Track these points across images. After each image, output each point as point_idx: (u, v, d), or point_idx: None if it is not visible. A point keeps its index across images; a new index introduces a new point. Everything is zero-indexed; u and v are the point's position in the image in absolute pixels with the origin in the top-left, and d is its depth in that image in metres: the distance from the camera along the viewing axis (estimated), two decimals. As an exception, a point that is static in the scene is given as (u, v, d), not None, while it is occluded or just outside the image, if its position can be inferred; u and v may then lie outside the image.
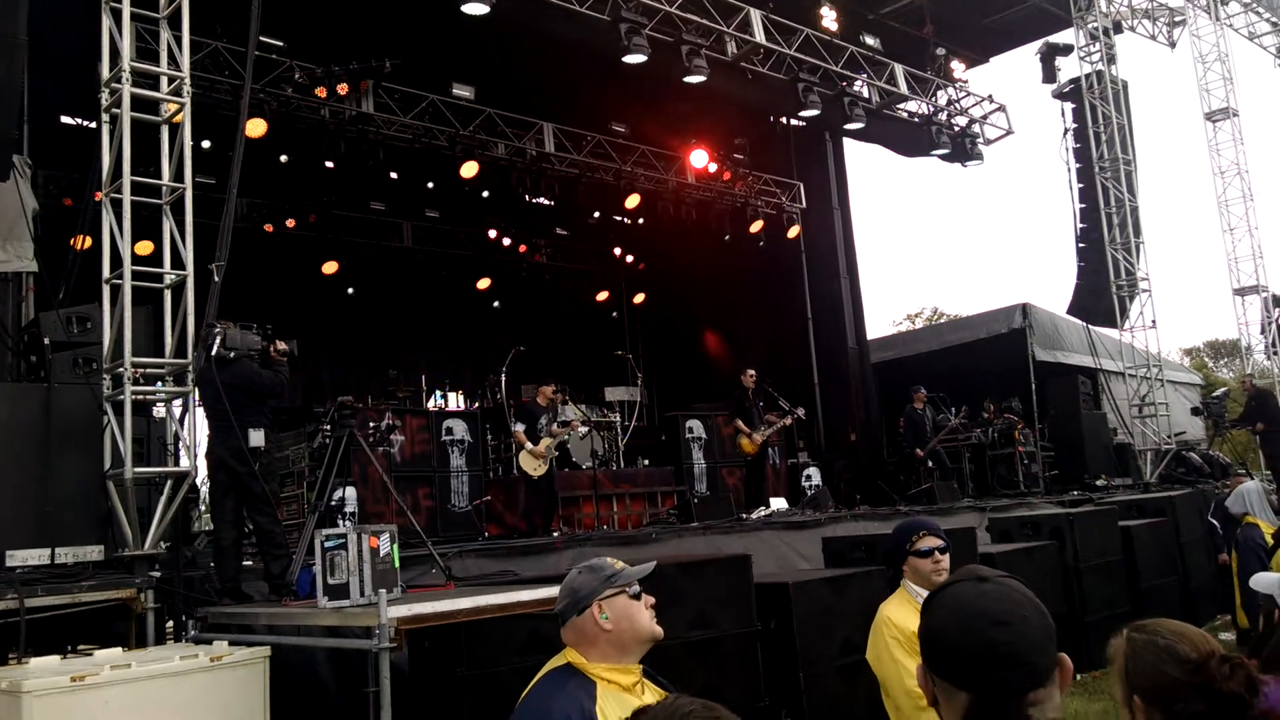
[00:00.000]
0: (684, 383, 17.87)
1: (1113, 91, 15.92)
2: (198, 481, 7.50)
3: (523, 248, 17.98)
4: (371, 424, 9.93)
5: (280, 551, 6.36)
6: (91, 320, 6.87)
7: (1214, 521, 10.13)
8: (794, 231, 16.94)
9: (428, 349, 16.89)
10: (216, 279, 6.77)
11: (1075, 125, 16.28)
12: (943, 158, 15.94)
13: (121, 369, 6.28)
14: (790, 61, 13.22)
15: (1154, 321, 15.84)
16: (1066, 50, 16.50)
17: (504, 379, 13.78)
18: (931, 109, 15.72)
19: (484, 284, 17.92)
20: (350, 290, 16.24)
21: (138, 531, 6.20)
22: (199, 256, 6.76)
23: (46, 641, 5.38)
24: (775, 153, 17.25)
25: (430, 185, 14.53)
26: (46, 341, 6.89)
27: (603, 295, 19.56)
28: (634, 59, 11.40)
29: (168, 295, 6.68)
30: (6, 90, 6.64)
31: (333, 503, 7.47)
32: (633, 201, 15.70)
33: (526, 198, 14.79)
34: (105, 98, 6.79)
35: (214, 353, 6.39)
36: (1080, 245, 16.22)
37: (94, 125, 6.95)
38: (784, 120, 16.97)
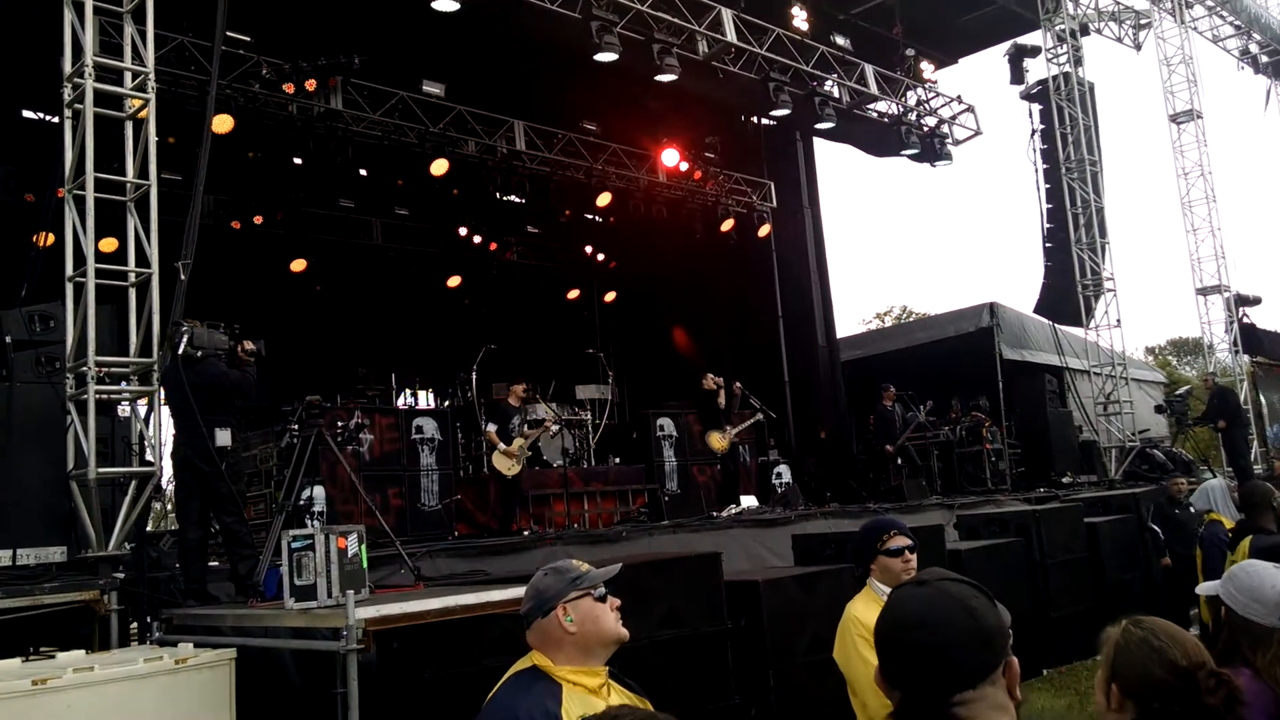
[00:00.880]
0: (655, 381, 17.88)
1: (1079, 93, 16.08)
2: (163, 482, 7.42)
3: (493, 246, 17.90)
4: (340, 423, 9.88)
5: (247, 552, 6.31)
6: (54, 318, 6.77)
7: (1154, 527, 10.22)
8: (765, 230, 16.99)
9: (397, 347, 16.79)
10: (183, 277, 6.69)
11: (1043, 126, 16.44)
12: (912, 158, 16.03)
13: (85, 368, 6.20)
14: (761, 61, 13.25)
15: (1119, 321, 16.04)
16: (1034, 52, 16.66)
17: (474, 377, 13.73)
18: (901, 109, 15.81)
19: (454, 282, 17.83)
20: (319, 288, 16.09)
21: (101, 532, 6.13)
22: (164, 254, 6.69)
23: (7, 644, 5.28)
24: (746, 152, 17.31)
25: (400, 183, 14.45)
26: (8, 340, 6.78)
27: (574, 293, 19.52)
28: (605, 57, 11.39)
29: (132, 293, 6.61)
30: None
31: (300, 502, 7.43)
32: (604, 200, 15.69)
33: (497, 195, 14.74)
34: (68, 93, 6.70)
35: (181, 351, 6.32)
36: (1047, 245, 16.38)
37: (56, 120, 6.86)
38: (755, 120, 17.02)
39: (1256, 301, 19.57)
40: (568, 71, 12.83)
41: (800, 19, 13.76)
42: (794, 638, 6.30)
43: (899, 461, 13.91)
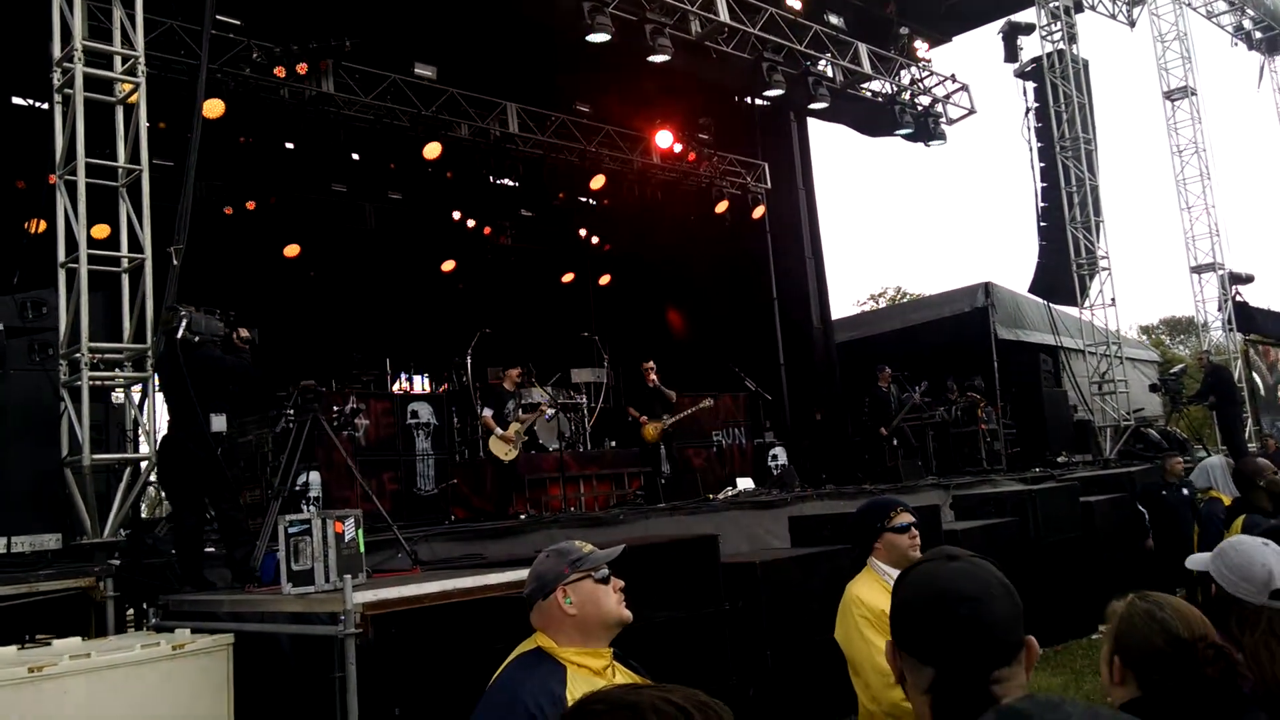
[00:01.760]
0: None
1: (1074, 70, 16.04)
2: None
3: (487, 229, 17.80)
4: (335, 408, 9.84)
5: (243, 537, 6.30)
6: (47, 305, 6.72)
7: (1142, 510, 10.24)
8: (759, 212, 16.95)
9: (392, 332, 16.74)
10: (175, 262, 6.65)
11: (1037, 104, 16.41)
12: (906, 137, 15.99)
13: (79, 354, 6.17)
14: (754, 40, 13.19)
15: (1113, 299, 16.04)
16: (1028, 29, 16.61)
17: (469, 361, 13.71)
18: (895, 88, 15.76)
19: (448, 266, 17.76)
20: (312, 273, 16.02)
21: (96, 519, 6.12)
22: (157, 239, 6.64)
23: (3, 632, 5.28)
24: (740, 133, 17.25)
25: (393, 166, 14.37)
26: (1, 327, 6.75)
27: (568, 276, 19.45)
28: (598, 38, 11.32)
29: (125, 279, 6.57)
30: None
31: (296, 488, 7.41)
32: (598, 182, 15.64)
33: (491, 179, 14.68)
34: (57, 78, 6.63)
35: (179, 336, 6.29)
36: (1042, 224, 16.38)
37: (46, 106, 6.80)
38: (748, 100, 16.95)
39: (1249, 279, 19.61)
40: (560, 53, 12.76)
41: (793, -2, 13.71)
42: (792, 619, 6.32)
43: (894, 442, 13.93)
